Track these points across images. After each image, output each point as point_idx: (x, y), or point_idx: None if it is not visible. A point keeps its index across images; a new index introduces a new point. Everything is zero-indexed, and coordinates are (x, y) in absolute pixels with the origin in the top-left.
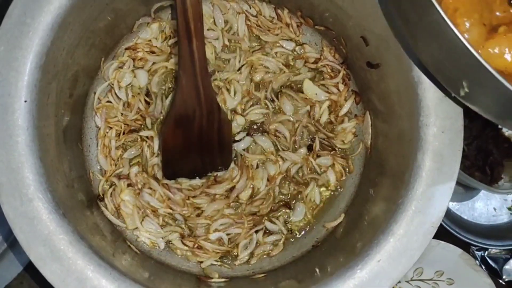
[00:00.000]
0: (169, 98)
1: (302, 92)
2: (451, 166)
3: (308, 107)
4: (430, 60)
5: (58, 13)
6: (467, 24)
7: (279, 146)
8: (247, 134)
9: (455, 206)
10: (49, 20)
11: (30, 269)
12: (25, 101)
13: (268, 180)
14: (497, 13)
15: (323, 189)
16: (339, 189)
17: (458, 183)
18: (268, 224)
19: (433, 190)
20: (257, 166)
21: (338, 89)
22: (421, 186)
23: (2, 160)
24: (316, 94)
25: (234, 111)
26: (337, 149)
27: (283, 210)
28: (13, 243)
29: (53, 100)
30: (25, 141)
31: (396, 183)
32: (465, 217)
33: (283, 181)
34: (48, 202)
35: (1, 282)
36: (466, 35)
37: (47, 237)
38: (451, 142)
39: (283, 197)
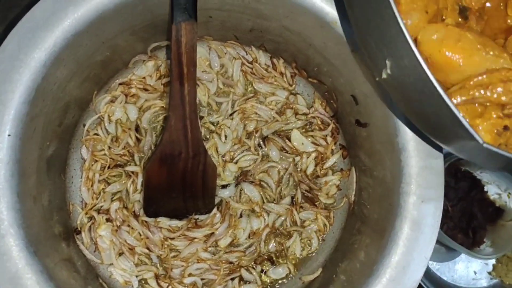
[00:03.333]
0: (159, 135)
1: (290, 140)
2: (428, 237)
3: (294, 156)
4: (363, 29)
5: (52, 50)
6: (409, 7)
7: (263, 197)
8: (235, 182)
9: (435, 266)
10: (42, 57)
11: None
12: (9, 135)
13: (249, 235)
14: (443, 17)
15: (305, 241)
16: (320, 242)
17: (440, 242)
18: (244, 273)
19: (409, 259)
20: (241, 215)
21: (326, 142)
22: (397, 254)
23: None
24: (303, 144)
25: (224, 158)
26: (318, 203)
27: (265, 263)
28: None
29: (38, 133)
30: (4, 176)
31: (374, 245)
32: (445, 278)
33: (268, 236)
34: (20, 239)
35: None
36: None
37: (15, 275)
38: (430, 213)
39: (267, 252)
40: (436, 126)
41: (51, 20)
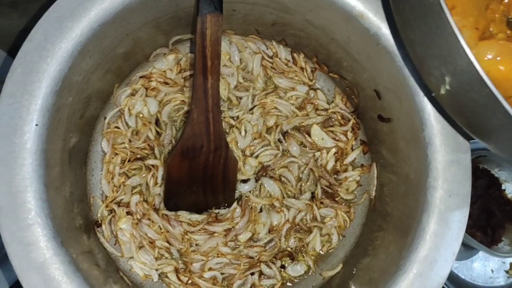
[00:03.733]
0: (180, 129)
1: (310, 136)
2: (455, 232)
3: (315, 151)
4: (419, 49)
5: (79, 41)
6: (460, 24)
7: (284, 193)
8: (255, 177)
9: (453, 264)
10: (69, 47)
11: None
12: (36, 125)
13: (269, 230)
14: (491, 29)
15: (325, 237)
16: (340, 238)
17: None
18: (264, 268)
19: (436, 254)
20: (261, 210)
21: (347, 137)
22: (424, 249)
23: (4, 183)
24: (323, 139)
25: (244, 153)
26: (338, 199)
27: (285, 259)
28: (2, 259)
29: (63, 124)
30: (31, 165)
31: (398, 241)
32: (462, 276)
33: (289, 231)
34: (47, 229)
35: None
36: None
37: (42, 265)
38: (458, 207)
39: (287, 247)
40: (496, 135)
41: (78, 10)
